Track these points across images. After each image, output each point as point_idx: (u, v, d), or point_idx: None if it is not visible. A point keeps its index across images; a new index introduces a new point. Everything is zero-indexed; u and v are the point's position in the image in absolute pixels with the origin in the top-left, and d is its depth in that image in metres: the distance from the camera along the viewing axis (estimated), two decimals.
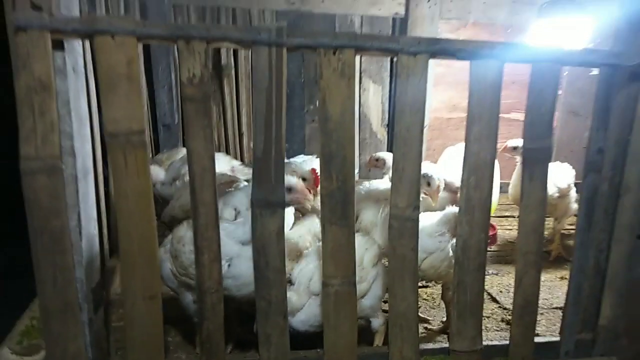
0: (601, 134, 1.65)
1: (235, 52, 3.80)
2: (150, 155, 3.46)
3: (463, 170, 1.61)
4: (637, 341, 1.93)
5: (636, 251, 1.78)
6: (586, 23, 2.76)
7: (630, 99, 1.64)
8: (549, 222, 2.97)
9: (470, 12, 3.66)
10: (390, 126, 4.07)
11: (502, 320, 2.22)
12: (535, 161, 1.61)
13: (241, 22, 3.73)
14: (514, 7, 3.62)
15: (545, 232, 2.89)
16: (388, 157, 2.77)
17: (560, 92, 3.87)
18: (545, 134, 1.59)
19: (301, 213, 2.27)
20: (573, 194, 2.87)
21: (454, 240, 1.84)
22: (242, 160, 3.75)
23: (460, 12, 3.66)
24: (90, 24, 1.34)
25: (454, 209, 1.90)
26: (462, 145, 2.85)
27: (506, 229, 3.41)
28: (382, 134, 4.10)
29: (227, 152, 3.89)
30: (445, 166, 3.02)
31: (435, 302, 2.37)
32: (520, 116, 1.62)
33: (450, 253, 1.91)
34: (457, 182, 1.81)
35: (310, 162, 2.64)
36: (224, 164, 2.82)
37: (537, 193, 1.63)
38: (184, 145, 3.37)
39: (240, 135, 3.96)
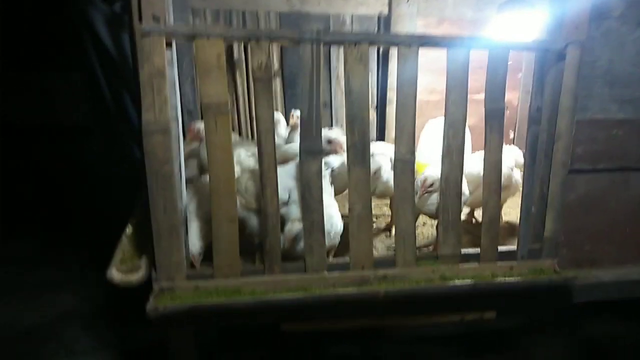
0: (539, 97, 2.35)
1: (245, 49, 4.41)
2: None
3: (444, 126, 2.30)
4: (573, 250, 2.64)
5: (568, 182, 2.49)
6: (536, 18, 3.48)
7: (559, 72, 2.33)
8: None
9: (443, 10, 4.37)
10: (379, 108, 4.75)
11: (475, 244, 2.92)
12: (493, 117, 2.31)
13: (250, 23, 4.35)
14: (479, 5, 4.34)
15: None
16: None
17: (520, 75, 4.62)
18: (500, 98, 2.29)
19: None
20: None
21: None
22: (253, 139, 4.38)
23: (434, 10, 4.36)
24: (193, 30, 1.99)
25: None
26: (440, 118, 3.53)
27: None
28: (372, 115, 4.79)
29: (240, 134, 4.53)
30: (429, 136, 3.74)
31: (424, 236, 3.07)
32: None
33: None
34: None
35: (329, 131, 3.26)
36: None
37: (496, 140, 2.34)
38: None
39: (252, 119, 4.59)
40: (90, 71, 4.47)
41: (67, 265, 3.93)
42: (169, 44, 2.03)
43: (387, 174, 2.80)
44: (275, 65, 4.48)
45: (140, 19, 1.96)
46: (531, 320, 3.03)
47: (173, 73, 2.08)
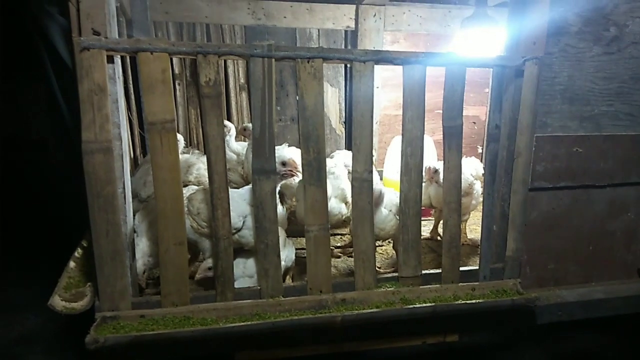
0: (497, 115, 2.31)
1: None
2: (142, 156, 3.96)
3: (402, 144, 2.24)
4: (536, 269, 2.59)
5: (529, 200, 2.45)
6: (498, 34, 3.47)
7: (517, 89, 2.30)
8: None
9: (410, 25, 4.35)
10: (347, 123, 4.70)
11: (439, 263, 2.86)
12: (451, 135, 2.26)
13: (214, 36, 4.26)
14: (445, 20, 4.34)
15: None
16: None
17: (487, 90, 4.62)
18: (457, 116, 2.24)
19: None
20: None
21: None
22: None
23: (401, 24, 4.34)
24: (135, 44, 1.89)
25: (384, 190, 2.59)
26: None
27: None
28: (340, 130, 4.73)
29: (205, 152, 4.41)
30: (394, 152, 3.68)
31: (387, 255, 2.99)
32: None
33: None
34: None
35: (283, 150, 3.19)
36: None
37: (455, 158, 2.28)
38: None
39: None
40: (47, 82, 4.34)
41: (31, 285, 3.74)
42: (111, 59, 1.93)
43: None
44: (242, 79, 4.40)
45: (79, 33, 1.86)
46: (501, 336, 2.97)
47: (116, 89, 1.97)
